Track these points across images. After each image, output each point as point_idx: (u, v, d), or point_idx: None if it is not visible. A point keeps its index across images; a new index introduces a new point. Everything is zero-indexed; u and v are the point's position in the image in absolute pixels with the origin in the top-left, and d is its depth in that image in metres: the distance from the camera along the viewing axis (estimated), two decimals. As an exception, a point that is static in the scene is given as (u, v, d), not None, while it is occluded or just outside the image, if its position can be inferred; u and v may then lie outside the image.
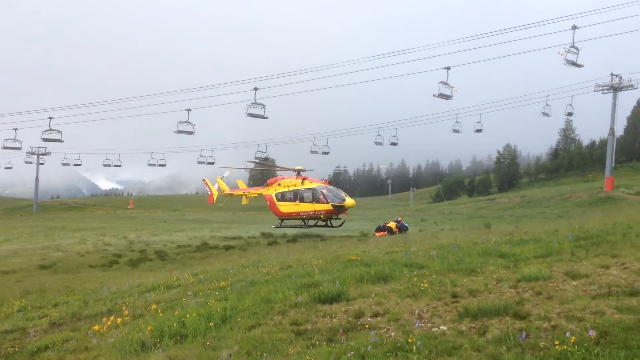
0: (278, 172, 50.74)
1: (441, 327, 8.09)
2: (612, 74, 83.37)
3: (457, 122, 64.24)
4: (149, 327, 10.33)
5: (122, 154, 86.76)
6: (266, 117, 51.36)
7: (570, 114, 79.74)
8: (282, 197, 39.20)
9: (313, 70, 63.69)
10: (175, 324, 10.17)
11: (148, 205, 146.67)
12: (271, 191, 40.35)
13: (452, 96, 49.51)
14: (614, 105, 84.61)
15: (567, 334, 6.64)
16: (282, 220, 40.43)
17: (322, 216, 37.93)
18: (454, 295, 9.46)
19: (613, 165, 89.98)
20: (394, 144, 70.34)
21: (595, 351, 6.15)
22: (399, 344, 7.34)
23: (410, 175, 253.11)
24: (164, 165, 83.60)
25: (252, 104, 49.57)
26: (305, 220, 38.93)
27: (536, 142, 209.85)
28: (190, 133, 52.14)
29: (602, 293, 8.36)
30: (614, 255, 10.57)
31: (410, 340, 7.36)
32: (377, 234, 37.93)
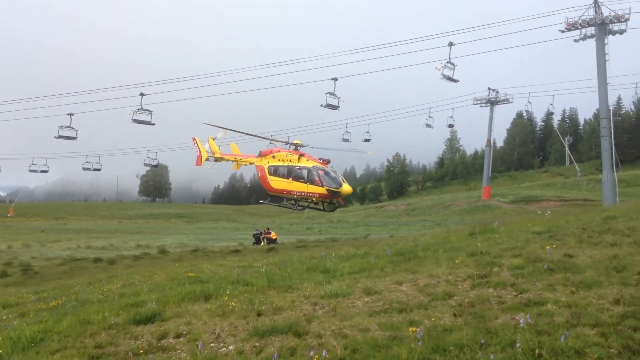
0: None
1: (230, 347, 8.43)
2: (489, 89, 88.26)
3: (347, 132, 65.56)
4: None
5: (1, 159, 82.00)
6: (153, 124, 50.34)
7: (451, 126, 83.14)
8: (275, 171, 35.64)
9: (198, 78, 63.05)
10: (-22, 348, 9.91)
11: (30, 213, 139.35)
12: (264, 162, 36.65)
13: (339, 106, 50.94)
14: (491, 118, 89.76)
15: (324, 352, 7.17)
16: (271, 196, 37.31)
17: (314, 199, 34.80)
18: (259, 314, 9.83)
19: (490, 175, 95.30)
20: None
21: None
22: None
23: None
24: (46, 172, 79.75)
25: (138, 109, 48.55)
26: (296, 201, 35.83)
27: (425, 152, 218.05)
28: (73, 138, 50.05)
29: (381, 310, 9.02)
30: (414, 271, 11.36)
31: (192, 362, 7.64)
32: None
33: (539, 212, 21.58)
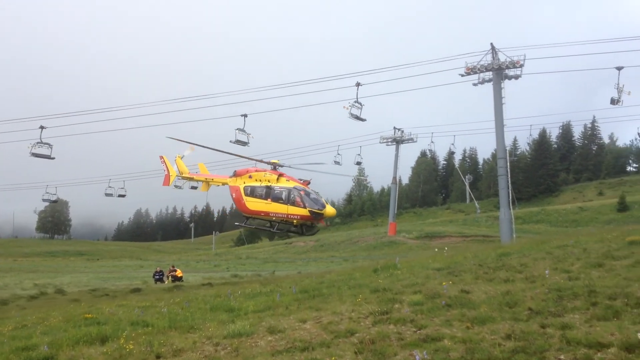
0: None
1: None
2: (394, 128, 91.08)
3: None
4: None
5: None
6: (53, 158, 48.22)
7: (359, 163, 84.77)
8: (252, 192, 33.19)
9: (101, 112, 61.30)
10: None
11: None
12: (239, 183, 34.17)
13: (248, 142, 51.03)
14: (397, 156, 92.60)
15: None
16: (247, 218, 34.63)
17: (294, 222, 32.48)
18: (158, 356, 9.53)
19: (396, 212, 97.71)
20: (194, 187, 69.76)
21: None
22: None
23: (215, 219, 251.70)
24: None
25: (37, 143, 46.55)
26: (274, 224, 33.45)
27: (335, 188, 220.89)
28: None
29: (284, 349, 8.97)
30: (318, 308, 11.42)
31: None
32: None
33: (436, 250, 22.30)
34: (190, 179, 38.94)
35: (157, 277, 41.76)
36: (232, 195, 34.79)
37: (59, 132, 49.43)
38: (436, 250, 22.23)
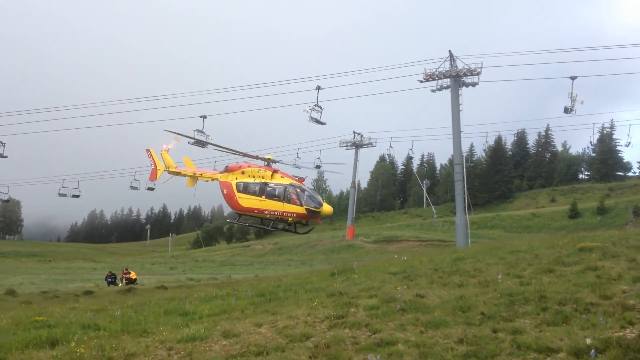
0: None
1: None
2: (354, 132, 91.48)
3: (215, 170, 64.70)
4: None
5: None
6: (5, 156, 47.01)
7: (318, 167, 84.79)
8: (245, 188, 32.02)
9: (50, 110, 59.92)
10: None
11: None
12: (231, 178, 32.86)
13: (207, 144, 50.58)
14: (356, 160, 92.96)
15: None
16: (239, 215, 33.59)
17: (289, 219, 31.38)
18: (110, 361, 9.36)
19: (354, 215, 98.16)
20: (150, 188, 68.79)
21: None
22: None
23: (172, 221, 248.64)
24: None
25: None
26: (267, 222, 32.33)
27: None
28: None
29: (239, 353, 8.91)
30: (274, 312, 11.37)
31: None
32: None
33: (395, 256, 22.50)
34: (178, 173, 37.04)
35: (110, 279, 40.99)
36: (222, 192, 33.61)
37: (12, 130, 48.35)
38: (395, 256, 22.40)
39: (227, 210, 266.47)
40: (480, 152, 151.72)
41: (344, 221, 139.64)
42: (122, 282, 40.07)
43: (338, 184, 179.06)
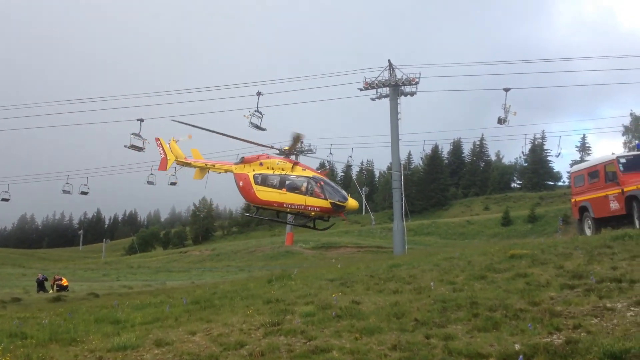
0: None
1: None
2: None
3: (152, 174, 63.27)
4: None
5: None
6: None
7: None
8: (264, 180, 30.20)
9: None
10: None
11: None
12: (247, 170, 30.96)
13: (144, 148, 49.63)
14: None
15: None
16: (257, 209, 31.89)
17: (312, 213, 29.61)
18: (35, 371, 9.02)
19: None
20: (84, 192, 66.87)
21: None
22: None
23: (106, 226, 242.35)
24: None
25: None
26: (286, 216, 30.82)
27: (232, 196, 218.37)
28: None
29: (171, 362, 8.74)
30: (209, 320, 11.21)
31: None
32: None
33: (333, 260, 22.58)
34: (188, 164, 34.96)
35: (41, 279, 39.70)
36: (238, 184, 31.71)
37: None
38: (333, 260, 22.50)
39: (164, 215, 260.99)
40: (418, 161, 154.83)
41: (283, 227, 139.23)
42: (52, 288, 38.73)
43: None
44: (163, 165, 34.93)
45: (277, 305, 11.89)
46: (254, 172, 30.62)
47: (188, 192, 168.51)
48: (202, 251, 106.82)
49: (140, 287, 38.93)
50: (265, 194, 29.94)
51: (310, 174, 29.87)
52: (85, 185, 65.86)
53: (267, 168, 30.47)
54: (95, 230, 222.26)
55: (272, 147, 32.23)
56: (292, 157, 31.24)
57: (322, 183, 29.38)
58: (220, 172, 33.53)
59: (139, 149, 48.91)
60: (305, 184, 29.20)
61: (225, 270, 68.91)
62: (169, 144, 33.69)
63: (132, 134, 48.42)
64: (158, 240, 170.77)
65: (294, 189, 29.31)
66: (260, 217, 33.40)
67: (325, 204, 28.92)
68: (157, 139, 35.13)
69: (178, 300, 14.27)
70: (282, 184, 29.50)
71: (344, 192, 30.33)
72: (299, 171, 29.85)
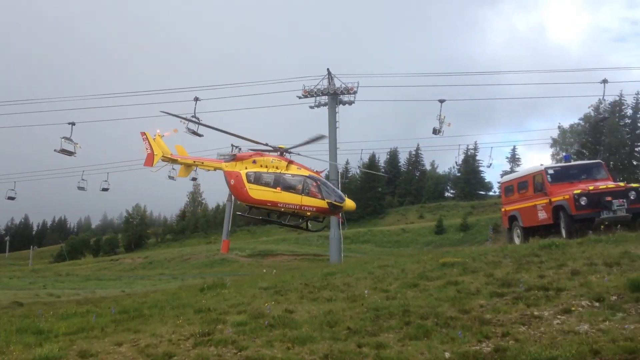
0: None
1: None
2: (232, 145, 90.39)
3: (83, 180, 61.39)
4: None
5: None
6: None
7: (194, 179, 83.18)
8: (257, 179, 29.08)
9: None
10: None
11: None
12: (240, 168, 29.71)
13: (75, 152, 48.26)
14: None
15: None
16: (250, 208, 30.45)
17: (308, 213, 28.67)
18: (-53, 386, 8.48)
19: (230, 229, 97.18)
20: (11, 198, 64.25)
21: None
22: None
23: (34, 232, 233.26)
24: None
25: None
26: (278, 216, 29.66)
27: (168, 203, 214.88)
28: None
29: (95, 375, 8.40)
30: (137, 330, 10.85)
31: None
32: None
33: (265, 271, 22.38)
34: (174, 161, 33.80)
35: None
36: (229, 182, 30.69)
37: None
38: (264, 271, 22.29)
39: (95, 222, 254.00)
40: (355, 169, 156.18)
41: (219, 235, 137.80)
42: (-28, 298, 36.87)
43: (214, 197, 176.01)
44: (149, 161, 33.53)
45: (209, 314, 11.64)
46: (247, 170, 29.89)
47: (121, 199, 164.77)
48: (135, 259, 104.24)
49: (68, 295, 37.54)
50: (259, 192, 29.30)
51: (306, 172, 29.37)
52: (12, 190, 63.52)
53: (261, 166, 29.87)
54: (22, 237, 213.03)
55: (266, 145, 31.25)
56: (287, 156, 30.62)
57: (318, 182, 28.99)
58: (208, 170, 32.82)
59: (70, 153, 47.57)
60: (301, 183, 28.70)
61: (157, 279, 67.27)
62: (154, 138, 32.50)
63: (63, 137, 47.09)
64: (88, 247, 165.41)
65: (289, 187, 28.78)
66: (253, 216, 32.24)
67: (322, 204, 28.46)
68: (143, 133, 33.76)
69: (106, 310, 13.77)
70: (277, 182, 28.90)
71: (340, 193, 30.18)
72: (294, 170, 29.37)
